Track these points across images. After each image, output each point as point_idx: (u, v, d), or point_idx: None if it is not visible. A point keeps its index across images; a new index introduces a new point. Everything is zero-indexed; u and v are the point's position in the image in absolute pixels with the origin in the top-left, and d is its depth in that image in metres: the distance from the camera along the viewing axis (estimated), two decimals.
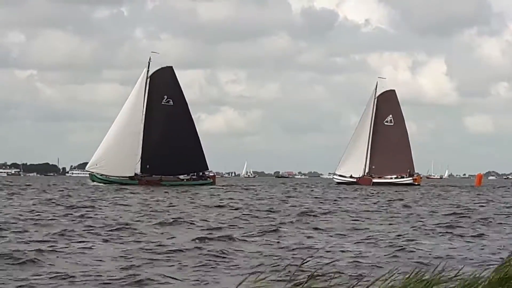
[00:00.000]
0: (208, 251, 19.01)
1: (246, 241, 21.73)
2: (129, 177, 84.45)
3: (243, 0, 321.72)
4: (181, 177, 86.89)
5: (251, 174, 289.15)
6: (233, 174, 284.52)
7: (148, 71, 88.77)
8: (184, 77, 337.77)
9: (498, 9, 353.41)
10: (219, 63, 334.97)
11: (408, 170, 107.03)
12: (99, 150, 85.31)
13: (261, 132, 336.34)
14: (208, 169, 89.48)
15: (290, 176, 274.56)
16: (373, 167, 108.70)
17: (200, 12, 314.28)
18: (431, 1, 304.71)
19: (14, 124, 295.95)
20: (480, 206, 45.39)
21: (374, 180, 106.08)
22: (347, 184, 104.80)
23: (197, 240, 21.41)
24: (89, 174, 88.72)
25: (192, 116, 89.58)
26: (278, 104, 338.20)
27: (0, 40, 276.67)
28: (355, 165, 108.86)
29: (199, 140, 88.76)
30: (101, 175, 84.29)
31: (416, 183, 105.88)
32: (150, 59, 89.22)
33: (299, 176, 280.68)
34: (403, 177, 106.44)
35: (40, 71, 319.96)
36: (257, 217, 32.25)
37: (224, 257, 18.15)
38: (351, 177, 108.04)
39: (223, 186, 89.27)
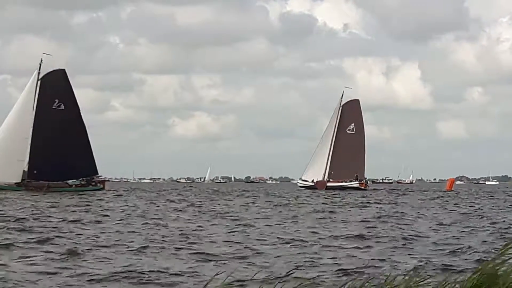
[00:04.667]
0: None
1: None
2: (16, 183, 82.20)
3: (222, 5, 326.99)
4: (70, 182, 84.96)
5: (221, 180, 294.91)
6: (202, 180, 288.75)
7: (39, 73, 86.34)
8: (159, 82, 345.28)
9: (475, 15, 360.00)
10: (196, 68, 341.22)
11: (356, 175, 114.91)
12: None
13: (234, 137, 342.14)
14: (97, 174, 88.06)
15: (261, 181, 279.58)
16: (332, 172, 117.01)
17: (178, 17, 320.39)
18: (409, 6, 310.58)
19: None
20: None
21: (328, 184, 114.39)
22: (308, 188, 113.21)
23: None
24: None
25: (84, 121, 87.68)
26: (252, 109, 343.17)
27: None
28: (318, 170, 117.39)
29: (89, 145, 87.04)
30: None
31: (362, 187, 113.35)
32: (41, 61, 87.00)
33: (270, 181, 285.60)
34: (351, 181, 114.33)
35: (14, 77, 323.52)
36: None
37: None
38: (312, 181, 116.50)
39: (110, 191, 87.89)
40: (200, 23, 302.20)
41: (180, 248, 22.68)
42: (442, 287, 9.51)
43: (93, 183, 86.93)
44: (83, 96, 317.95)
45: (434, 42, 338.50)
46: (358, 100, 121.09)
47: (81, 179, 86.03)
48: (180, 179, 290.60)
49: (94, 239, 25.31)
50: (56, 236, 26.07)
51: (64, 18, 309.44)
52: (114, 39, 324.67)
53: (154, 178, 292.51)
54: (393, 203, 61.12)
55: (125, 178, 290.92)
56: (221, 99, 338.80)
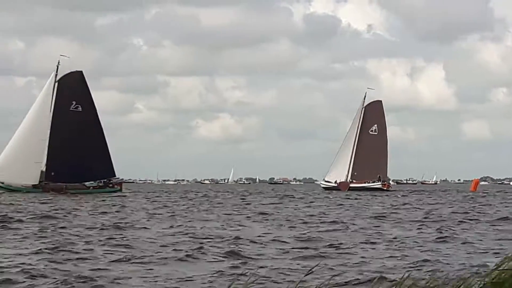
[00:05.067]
0: None
1: None
2: (33, 185, 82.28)
3: (246, 7, 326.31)
4: (87, 184, 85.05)
5: (245, 181, 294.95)
6: (226, 181, 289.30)
7: (56, 75, 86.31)
8: (183, 84, 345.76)
9: (500, 15, 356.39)
10: (220, 69, 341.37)
11: (378, 176, 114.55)
12: (1, 157, 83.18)
13: (258, 139, 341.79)
14: (115, 176, 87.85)
15: (285, 182, 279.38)
16: (355, 173, 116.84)
17: (202, 18, 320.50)
18: (434, 7, 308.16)
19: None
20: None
21: (351, 185, 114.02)
22: (331, 189, 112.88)
23: None
24: None
25: (101, 123, 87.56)
26: (276, 111, 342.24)
27: (0, 48, 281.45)
28: (341, 171, 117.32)
29: (107, 146, 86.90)
30: (2, 182, 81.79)
31: (385, 188, 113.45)
32: (59, 62, 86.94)
33: (294, 182, 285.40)
34: (374, 182, 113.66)
35: (38, 78, 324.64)
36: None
37: None
38: (335, 182, 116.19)
39: (129, 193, 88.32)
40: (224, 25, 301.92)
41: None
42: None
43: (110, 185, 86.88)
44: (107, 98, 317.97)
45: (459, 42, 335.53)
46: (380, 101, 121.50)
47: (98, 181, 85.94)
48: (204, 180, 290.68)
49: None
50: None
51: (89, 20, 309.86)
52: (138, 41, 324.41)
53: (178, 180, 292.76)
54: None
55: (149, 180, 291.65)
56: (244, 100, 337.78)
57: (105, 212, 42.76)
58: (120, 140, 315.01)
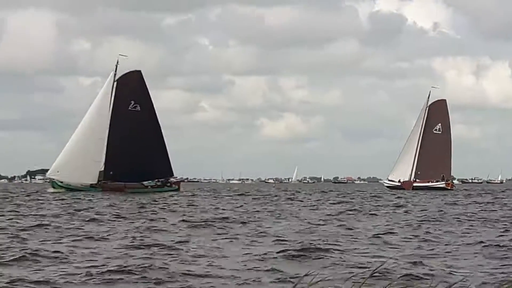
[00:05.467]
0: None
1: None
2: (91, 184, 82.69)
3: (310, 6, 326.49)
4: (146, 183, 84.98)
5: (309, 180, 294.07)
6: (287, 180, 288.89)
7: (115, 74, 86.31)
8: (247, 83, 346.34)
9: None
10: (284, 69, 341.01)
11: (442, 175, 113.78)
12: (61, 156, 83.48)
13: (322, 138, 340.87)
14: (173, 175, 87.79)
15: (349, 181, 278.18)
16: (419, 172, 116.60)
17: (266, 18, 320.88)
18: (500, 5, 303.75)
19: None
20: None
21: (414, 184, 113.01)
22: (395, 188, 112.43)
23: None
24: (49, 181, 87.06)
25: (159, 122, 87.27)
26: (340, 110, 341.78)
27: (67, 48, 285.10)
28: (405, 170, 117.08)
29: (165, 146, 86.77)
30: (61, 182, 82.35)
31: (449, 188, 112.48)
32: (117, 62, 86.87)
33: (358, 182, 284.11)
34: (438, 181, 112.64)
35: (104, 78, 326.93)
36: None
37: None
38: (399, 181, 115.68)
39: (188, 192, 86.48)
40: (288, 24, 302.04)
41: None
42: None
43: (169, 184, 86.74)
44: (173, 97, 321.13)
45: None
46: (445, 100, 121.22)
47: (156, 180, 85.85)
48: (268, 179, 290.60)
49: None
50: None
51: (154, 20, 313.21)
52: (204, 41, 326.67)
53: (242, 179, 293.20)
54: None
55: (214, 179, 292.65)
56: (308, 99, 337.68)
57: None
58: (185, 139, 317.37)
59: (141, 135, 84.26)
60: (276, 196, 76.75)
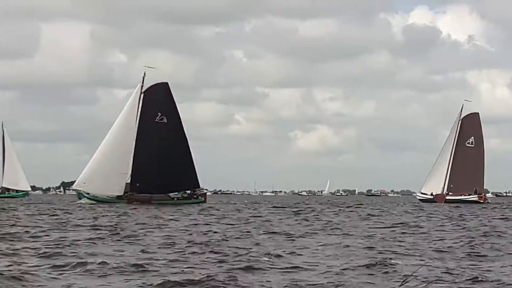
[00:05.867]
0: None
1: None
2: (117, 196, 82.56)
3: (345, 19, 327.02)
4: (172, 195, 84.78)
5: (342, 193, 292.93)
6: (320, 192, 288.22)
7: (142, 86, 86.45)
8: (281, 96, 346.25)
9: None
10: (318, 81, 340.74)
11: (475, 188, 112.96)
12: (88, 168, 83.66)
13: (355, 150, 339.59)
14: (199, 187, 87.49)
15: (383, 194, 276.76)
16: (451, 185, 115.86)
17: (301, 30, 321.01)
18: None
19: None
20: None
21: (447, 198, 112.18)
22: (427, 201, 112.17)
23: None
24: (76, 192, 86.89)
25: (186, 134, 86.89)
26: (374, 122, 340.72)
27: (103, 60, 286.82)
28: (437, 183, 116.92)
29: (191, 157, 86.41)
30: (87, 193, 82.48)
31: (481, 201, 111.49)
32: (144, 74, 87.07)
33: (392, 194, 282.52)
34: (470, 195, 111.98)
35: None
36: None
37: None
38: (431, 194, 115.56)
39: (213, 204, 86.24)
40: (323, 37, 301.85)
41: None
42: None
43: (195, 196, 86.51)
44: (207, 109, 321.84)
45: None
46: (477, 114, 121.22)
47: (182, 192, 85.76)
48: (301, 191, 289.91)
49: None
50: None
51: (189, 33, 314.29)
52: (238, 53, 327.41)
53: (275, 191, 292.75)
54: None
55: (247, 191, 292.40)
56: (342, 112, 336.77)
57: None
58: (219, 151, 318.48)
59: (167, 147, 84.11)
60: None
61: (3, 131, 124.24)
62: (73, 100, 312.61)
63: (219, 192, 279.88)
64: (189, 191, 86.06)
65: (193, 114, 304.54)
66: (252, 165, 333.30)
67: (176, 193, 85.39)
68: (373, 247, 25.84)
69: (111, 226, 37.00)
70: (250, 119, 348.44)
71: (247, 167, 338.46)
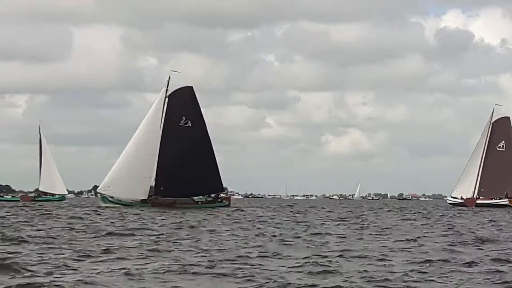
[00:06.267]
0: None
1: None
2: (142, 200, 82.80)
3: (376, 22, 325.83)
4: (196, 199, 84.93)
5: (374, 197, 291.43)
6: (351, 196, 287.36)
7: (167, 90, 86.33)
8: (313, 99, 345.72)
9: None
10: (349, 85, 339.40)
11: (506, 192, 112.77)
12: (112, 171, 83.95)
13: (387, 154, 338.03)
14: (223, 190, 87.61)
15: (414, 198, 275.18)
16: (482, 189, 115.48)
17: (332, 34, 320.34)
18: None
19: None
20: None
21: (477, 202, 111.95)
22: (457, 205, 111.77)
23: None
24: (100, 196, 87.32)
25: (210, 138, 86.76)
26: (405, 126, 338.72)
27: (134, 64, 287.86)
28: (468, 187, 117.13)
29: (216, 161, 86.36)
30: (112, 197, 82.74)
31: (511, 205, 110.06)
32: (169, 78, 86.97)
33: (423, 198, 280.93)
34: (501, 199, 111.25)
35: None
36: None
37: None
38: (461, 198, 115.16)
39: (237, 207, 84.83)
40: (354, 40, 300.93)
41: None
42: None
43: (219, 200, 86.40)
44: (238, 113, 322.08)
45: None
46: (508, 118, 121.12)
47: (206, 195, 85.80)
48: (332, 195, 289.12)
49: None
50: None
51: (220, 37, 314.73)
52: (269, 57, 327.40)
53: (306, 195, 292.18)
54: None
55: (278, 195, 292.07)
56: (373, 115, 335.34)
57: None
58: (250, 155, 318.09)
59: (192, 151, 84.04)
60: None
61: (40, 134, 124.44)
62: (104, 103, 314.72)
63: (250, 196, 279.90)
64: (213, 195, 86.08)
65: (224, 118, 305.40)
66: (283, 168, 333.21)
67: (201, 196, 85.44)
68: None
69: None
70: (281, 123, 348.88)
71: (278, 170, 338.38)
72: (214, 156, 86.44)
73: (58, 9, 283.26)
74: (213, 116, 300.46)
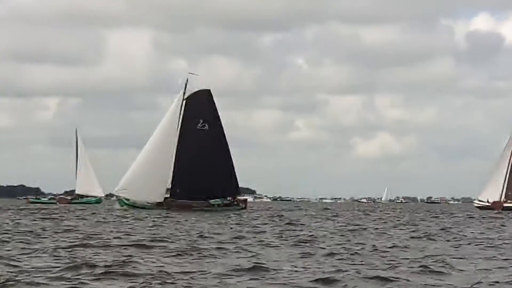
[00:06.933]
0: None
1: None
2: (158, 202, 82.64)
3: (406, 25, 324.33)
4: (212, 202, 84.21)
5: (402, 200, 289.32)
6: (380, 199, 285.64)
7: (184, 93, 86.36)
8: (342, 102, 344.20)
9: None
10: (379, 87, 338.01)
11: None
12: (128, 174, 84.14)
13: (416, 157, 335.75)
14: (240, 193, 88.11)
15: (443, 201, 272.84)
16: (509, 193, 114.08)
17: (362, 37, 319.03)
18: None
19: None
20: None
21: (505, 205, 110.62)
22: (484, 208, 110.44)
23: None
24: (116, 198, 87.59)
25: (227, 141, 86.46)
26: (435, 129, 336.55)
27: (165, 66, 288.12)
28: (495, 190, 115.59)
29: (232, 165, 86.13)
30: (127, 199, 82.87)
31: None
32: (187, 81, 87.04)
33: (452, 202, 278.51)
34: None
35: None
36: None
37: None
38: (487, 201, 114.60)
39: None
40: (384, 43, 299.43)
41: None
42: None
43: (235, 203, 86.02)
44: (267, 116, 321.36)
45: None
46: None
47: (223, 198, 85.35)
48: (361, 199, 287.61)
49: None
50: None
51: (250, 39, 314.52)
52: (299, 60, 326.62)
53: (335, 198, 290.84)
54: None
55: (306, 198, 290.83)
56: (403, 118, 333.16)
57: None
58: (279, 158, 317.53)
59: (209, 154, 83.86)
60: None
61: (76, 137, 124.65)
62: (135, 106, 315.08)
63: (278, 199, 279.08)
64: (230, 198, 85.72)
65: (253, 121, 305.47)
66: (312, 171, 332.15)
67: (217, 199, 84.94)
68: None
69: None
70: (311, 125, 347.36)
71: (306, 173, 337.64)
72: (231, 158, 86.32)
73: (89, 13, 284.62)
74: (242, 119, 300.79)
